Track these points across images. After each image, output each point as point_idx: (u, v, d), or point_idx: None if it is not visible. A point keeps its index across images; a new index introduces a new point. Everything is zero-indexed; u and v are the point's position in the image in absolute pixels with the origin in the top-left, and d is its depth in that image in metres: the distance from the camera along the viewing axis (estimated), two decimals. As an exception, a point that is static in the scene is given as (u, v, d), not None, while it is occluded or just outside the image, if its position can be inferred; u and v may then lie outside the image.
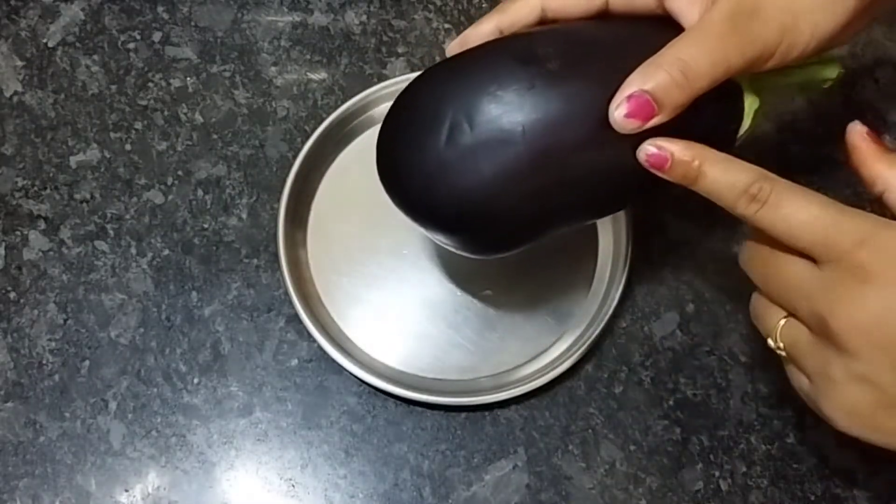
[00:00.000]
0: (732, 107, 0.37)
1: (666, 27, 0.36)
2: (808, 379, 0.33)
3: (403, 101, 0.37)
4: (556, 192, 0.35)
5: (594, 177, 0.35)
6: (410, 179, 0.36)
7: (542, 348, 0.48)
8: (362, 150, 0.51)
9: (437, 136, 0.34)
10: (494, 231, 0.37)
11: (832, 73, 0.40)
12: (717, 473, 0.46)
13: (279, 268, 0.48)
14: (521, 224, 0.37)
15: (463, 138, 0.34)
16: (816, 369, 0.32)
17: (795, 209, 0.32)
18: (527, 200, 0.35)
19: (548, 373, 0.45)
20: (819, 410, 0.33)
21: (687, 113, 0.33)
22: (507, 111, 0.33)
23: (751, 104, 0.38)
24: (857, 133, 0.35)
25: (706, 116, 0.35)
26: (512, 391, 0.45)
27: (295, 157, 0.50)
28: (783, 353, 0.34)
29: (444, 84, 0.36)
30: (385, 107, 0.51)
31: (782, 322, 0.34)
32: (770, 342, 0.34)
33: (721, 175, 0.33)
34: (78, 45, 0.54)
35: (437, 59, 0.54)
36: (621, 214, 0.48)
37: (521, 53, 0.35)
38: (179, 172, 0.52)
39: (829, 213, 0.31)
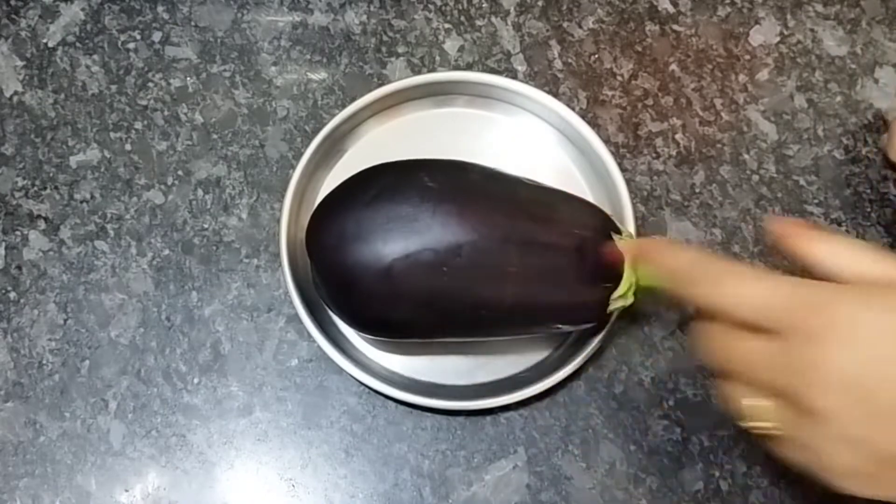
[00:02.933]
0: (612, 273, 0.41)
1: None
2: (797, 452, 0.32)
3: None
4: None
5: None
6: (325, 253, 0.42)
7: (542, 352, 0.48)
8: (364, 152, 0.51)
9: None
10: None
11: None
12: (717, 473, 0.46)
13: (279, 268, 0.48)
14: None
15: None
16: (803, 442, 0.31)
17: (742, 286, 0.32)
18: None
19: (549, 376, 0.45)
20: (824, 482, 0.32)
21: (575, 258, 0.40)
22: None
23: (628, 277, 0.41)
24: (777, 228, 0.36)
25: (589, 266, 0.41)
26: (511, 397, 0.45)
27: (295, 156, 0.50)
28: (762, 432, 0.33)
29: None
30: (387, 107, 0.51)
31: (753, 403, 0.33)
32: (746, 424, 0.33)
33: (666, 262, 0.35)
34: (78, 45, 0.54)
35: (437, 59, 0.54)
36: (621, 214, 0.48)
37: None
38: (179, 172, 0.52)
39: (775, 285, 0.32)
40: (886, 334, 0.29)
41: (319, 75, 0.54)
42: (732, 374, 0.33)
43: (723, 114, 0.53)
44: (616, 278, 0.41)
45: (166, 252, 0.50)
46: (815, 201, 0.51)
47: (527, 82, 0.51)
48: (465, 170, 0.42)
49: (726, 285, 0.33)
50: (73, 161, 0.52)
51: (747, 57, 0.54)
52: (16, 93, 0.53)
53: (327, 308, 0.46)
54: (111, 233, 0.51)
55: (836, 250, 0.34)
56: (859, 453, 0.30)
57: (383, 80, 0.53)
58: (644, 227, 0.50)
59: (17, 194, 0.51)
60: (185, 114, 0.53)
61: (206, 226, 0.51)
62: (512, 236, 0.39)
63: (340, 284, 0.41)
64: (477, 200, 0.40)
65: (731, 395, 0.34)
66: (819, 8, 0.55)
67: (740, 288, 0.32)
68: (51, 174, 0.52)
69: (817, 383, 0.30)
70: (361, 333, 0.47)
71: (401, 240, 0.39)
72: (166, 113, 0.53)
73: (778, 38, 0.55)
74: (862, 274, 0.33)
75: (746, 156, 0.52)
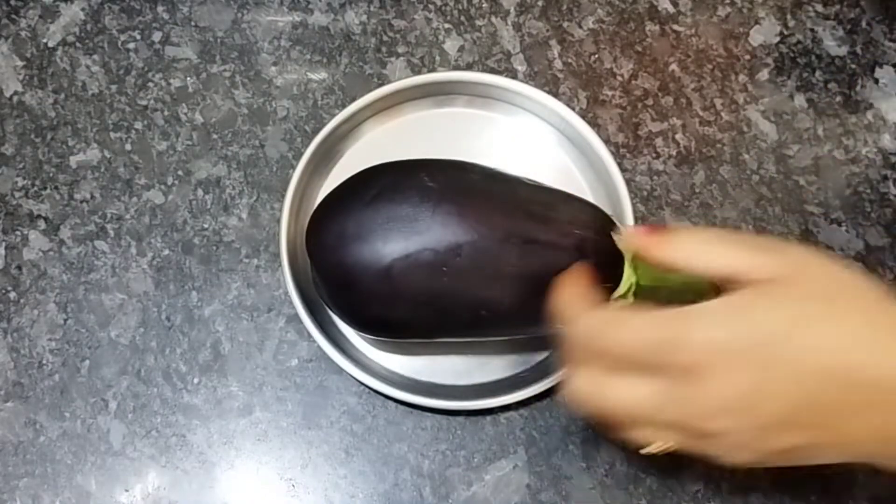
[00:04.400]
0: (613, 270, 0.40)
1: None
2: (695, 451, 0.34)
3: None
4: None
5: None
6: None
7: (542, 352, 0.48)
8: (364, 152, 0.51)
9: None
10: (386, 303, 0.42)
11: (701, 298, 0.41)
12: (717, 473, 0.46)
13: (279, 268, 0.48)
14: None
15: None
16: (702, 451, 0.34)
17: (614, 335, 0.33)
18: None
19: (549, 376, 0.45)
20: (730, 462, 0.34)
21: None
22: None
23: (628, 277, 0.40)
24: (631, 236, 0.37)
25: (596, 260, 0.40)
26: (511, 397, 0.45)
27: (295, 156, 0.50)
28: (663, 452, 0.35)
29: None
30: (386, 107, 0.51)
31: (656, 445, 0.35)
32: (651, 450, 0.35)
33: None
34: (78, 45, 0.54)
35: (437, 59, 0.54)
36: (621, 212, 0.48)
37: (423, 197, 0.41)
38: (179, 172, 0.52)
39: (638, 328, 0.33)
40: (744, 350, 0.31)
41: (319, 75, 0.54)
42: (618, 417, 0.34)
43: (723, 114, 0.53)
44: (616, 278, 0.41)
45: (166, 252, 0.50)
46: (815, 201, 0.51)
47: (527, 82, 0.51)
48: (464, 169, 0.43)
49: (599, 337, 0.34)
50: (73, 161, 0.52)
51: (747, 57, 0.54)
52: (16, 93, 0.53)
53: (327, 308, 0.46)
54: (111, 233, 0.51)
55: (687, 252, 0.35)
56: (754, 452, 0.32)
57: (383, 80, 0.53)
58: (644, 227, 0.50)
59: (17, 194, 0.51)
60: (185, 114, 0.53)
61: (206, 226, 0.51)
62: (512, 236, 0.39)
63: (340, 284, 0.41)
64: (477, 200, 0.40)
65: (630, 434, 0.35)
66: (819, 8, 0.55)
67: (612, 336, 0.33)
68: (51, 174, 0.52)
69: (703, 414, 0.32)
70: (361, 333, 0.47)
71: (401, 240, 0.39)
72: (166, 113, 0.53)
73: (778, 38, 0.55)
74: (716, 271, 0.34)
75: (746, 156, 0.52)
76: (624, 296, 0.41)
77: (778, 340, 0.31)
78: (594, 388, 0.34)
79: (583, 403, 0.35)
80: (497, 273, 0.39)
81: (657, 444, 0.35)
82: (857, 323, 0.31)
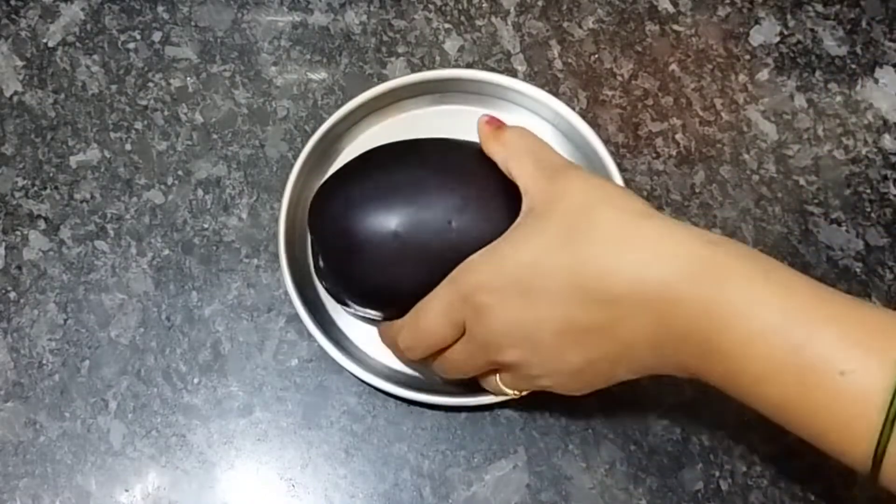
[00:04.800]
0: None
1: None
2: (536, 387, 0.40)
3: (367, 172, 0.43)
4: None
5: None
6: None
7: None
8: (363, 150, 0.51)
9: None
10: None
11: None
12: (717, 473, 0.46)
13: (279, 268, 0.48)
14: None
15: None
16: (531, 383, 0.40)
17: (419, 328, 0.40)
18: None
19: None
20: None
21: None
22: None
23: None
24: (480, 121, 0.42)
25: None
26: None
27: (295, 157, 0.50)
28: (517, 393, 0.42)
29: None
30: (386, 107, 0.51)
31: (495, 379, 0.41)
32: (505, 391, 0.41)
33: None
34: (78, 45, 0.54)
35: (437, 59, 0.54)
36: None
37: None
38: (179, 172, 0.52)
39: (430, 306, 0.39)
40: (504, 285, 0.36)
41: (319, 75, 0.54)
42: (462, 372, 0.41)
43: (723, 114, 0.53)
44: None
45: (166, 252, 0.50)
46: (815, 201, 0.51)
47: (527, 82, 0.51)
48: (459, 144, 0.44)
49: (411, 336, 0.40)
50: (73, 161, 0.52)
51: (747, 57, 0.54)
52: (16, 93, 0.53)
53: (331, 284, 0.46)
54: (111, 233, 0.51)
55: (504, 155, 0.41)
56: (561, 377, 0.38)
57: (383, 81, 0.53)
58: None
59: (17, 194, 0.51)
60: (185, 114, 0.53)
61: (206, 226, 0.51)
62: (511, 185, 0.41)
63: (349, 249, 0.41)
64: (473, 158, 0.42)
65: (484, 383, 0.42)
66: (819, 8, 0.55)
67: (418, 331, 0.40)
68: (51, 174, 0.52)
69: (496, 349, 0.38)
70: (365, 311, 0.46)
71: (406, 201, 0.40)
72: (166, 113, 0.53)
73: (778, 38, 0.55)
74: (516, 181, 0.39)
75: (746, 156, 0.52)
76: None
77: (527, 270, 0.35)
78: (432, 355, 0.41)
79: (437, 368, 0.42)
80: (502, 219, 0.40)
81: (503, 389, 0.41)
82: (595, 242, 0.34)
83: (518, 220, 0.38)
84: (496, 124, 0.42)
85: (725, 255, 0.33)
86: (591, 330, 0.35)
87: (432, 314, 0.39)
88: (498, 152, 0.41)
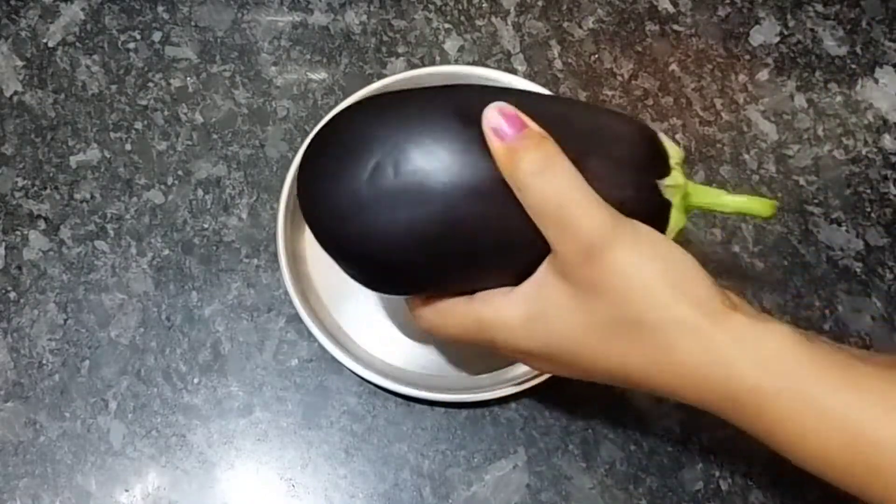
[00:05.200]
0: (658, 222, 0.36)
1: (622, 120, 0.37)
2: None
3: (333, 128, 0.36)
4: (459, 262, 0.35)
5: (500, 255, 0.35)
6: (325, 209, 0.36)
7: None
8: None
9: (359, 172, 0.34)
10: (389, 276, 0.37)
11: (766, 212, 0.38)
12: (717, 473, 0.46)
13: (279, 268, 0.48)
14: (417, 278, 0.37)
15: (384, 182, 0.34)
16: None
17: (447, 325, 0.39)
18: (429, 260, 0.35)
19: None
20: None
21: None
22: (435, 169, 0.33)
23: (676, 222, 0.37)
24: (486, 115, 0.34)
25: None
26: (513, 388, 0.45)
27: (295, 156, 0.50)
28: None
29: (377, 122, 0.35)
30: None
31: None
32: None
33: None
34: (78, 45, 0.54)
35: (438, 59, 0.54)
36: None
37: (463, 111, 0.34)
38: (179, 172, 0.52)
39: (461, 332, 0.39)
40: (549, 358, 0.36)
41: (319, 75, 0.54)
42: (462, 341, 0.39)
43: (723, 114, 0.53)
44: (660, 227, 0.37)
45: (166, 252, 0.50)
46: (815, 201, 0.51)
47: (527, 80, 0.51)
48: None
49: (435, 320, 0.39)
50: (73, 161, 0.52)
51: (747, 57, 0.54)
52: (16, 93, 0.53)
53: (332, 250, 0.38)
54: (111, 233, 0.51)
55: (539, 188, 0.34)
56: (548, 364, 0.37)
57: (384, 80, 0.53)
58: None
59: (17, 194, 0.51)
60: (185, 114, 0.53)
61: (206, 226, 0.51)
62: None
63: (360, 204, 0.34)
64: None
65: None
66: (819, 8, 0.55)
67: (442, 330, 0.39)
68: (51, 174, 0.52)
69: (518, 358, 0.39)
70: (376, 272, 0.39)
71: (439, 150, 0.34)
72: (166, 113, 0.53)
73: (778, 38, 0.55)
74: (541, 219, 0.36)
75: (746, 156, 0.52)
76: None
77: (574, 349, 0.35)
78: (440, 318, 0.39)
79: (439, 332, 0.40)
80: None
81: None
82: (662, 348, 0.33)
83: (553, 279, 0.33)
84: (510, 131, 0.33)
85: (811, 356, 0.32)
86: (577, 367, 0.37)
87: (452, 332, 0.39)
88: (515, 189, 0.33)
